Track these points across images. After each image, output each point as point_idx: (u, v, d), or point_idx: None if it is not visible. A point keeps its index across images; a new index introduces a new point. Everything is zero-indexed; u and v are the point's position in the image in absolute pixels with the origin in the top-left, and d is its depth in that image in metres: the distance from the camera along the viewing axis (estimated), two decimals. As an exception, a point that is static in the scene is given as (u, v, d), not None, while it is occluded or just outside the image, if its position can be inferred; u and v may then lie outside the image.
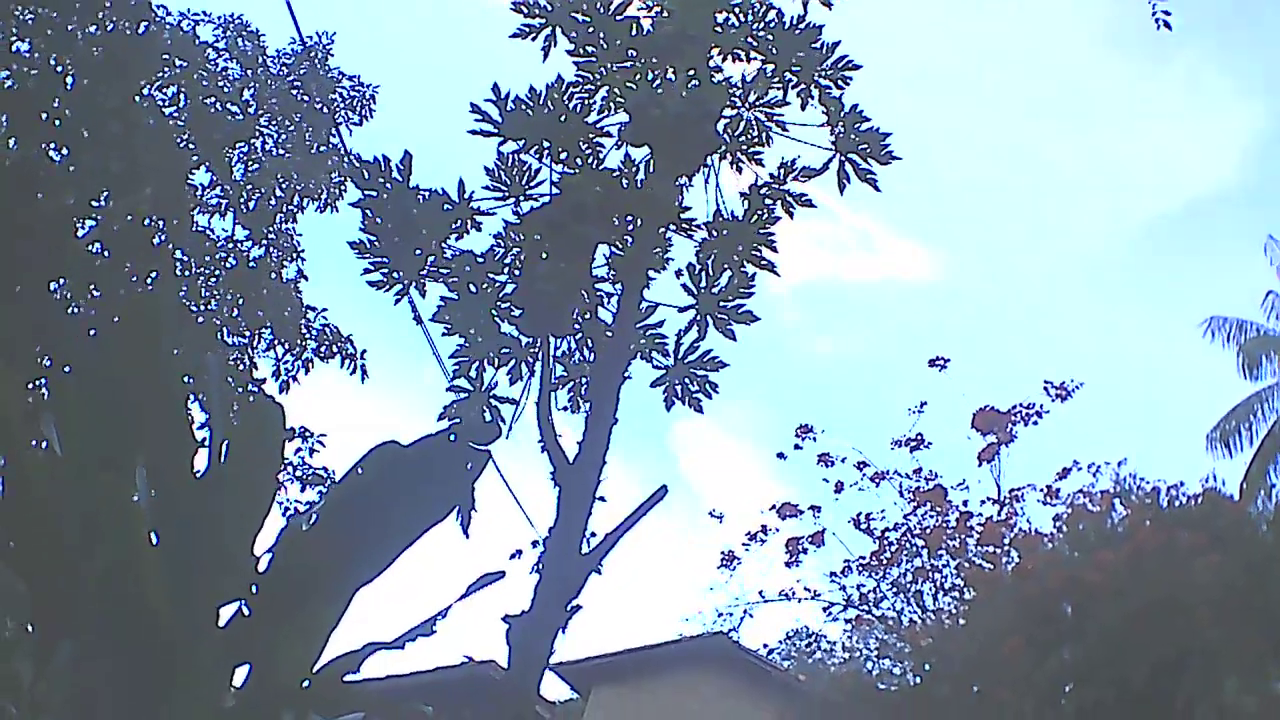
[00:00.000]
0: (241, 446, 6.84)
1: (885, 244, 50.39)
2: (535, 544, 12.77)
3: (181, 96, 22.99)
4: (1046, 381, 24.46)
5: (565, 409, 13.84)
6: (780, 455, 25.79)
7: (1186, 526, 19.27)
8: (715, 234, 14.12)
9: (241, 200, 23.30)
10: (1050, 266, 54.40)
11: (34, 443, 6.45)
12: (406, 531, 6.57)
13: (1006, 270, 53.79)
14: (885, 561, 24.45)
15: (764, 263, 14.15)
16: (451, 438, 6.95)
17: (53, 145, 21.11)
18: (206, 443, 7.09)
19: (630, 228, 13.81)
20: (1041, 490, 23.99)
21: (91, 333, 19.77)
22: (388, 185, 13.53)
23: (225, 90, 23.53)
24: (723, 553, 25.00)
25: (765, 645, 29.44)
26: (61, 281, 20.33)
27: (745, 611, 25.23)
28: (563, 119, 13.96)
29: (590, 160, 14.04)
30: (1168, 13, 12.73)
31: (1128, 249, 53.76)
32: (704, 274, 14.05)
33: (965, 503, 24.10)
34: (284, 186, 23.27)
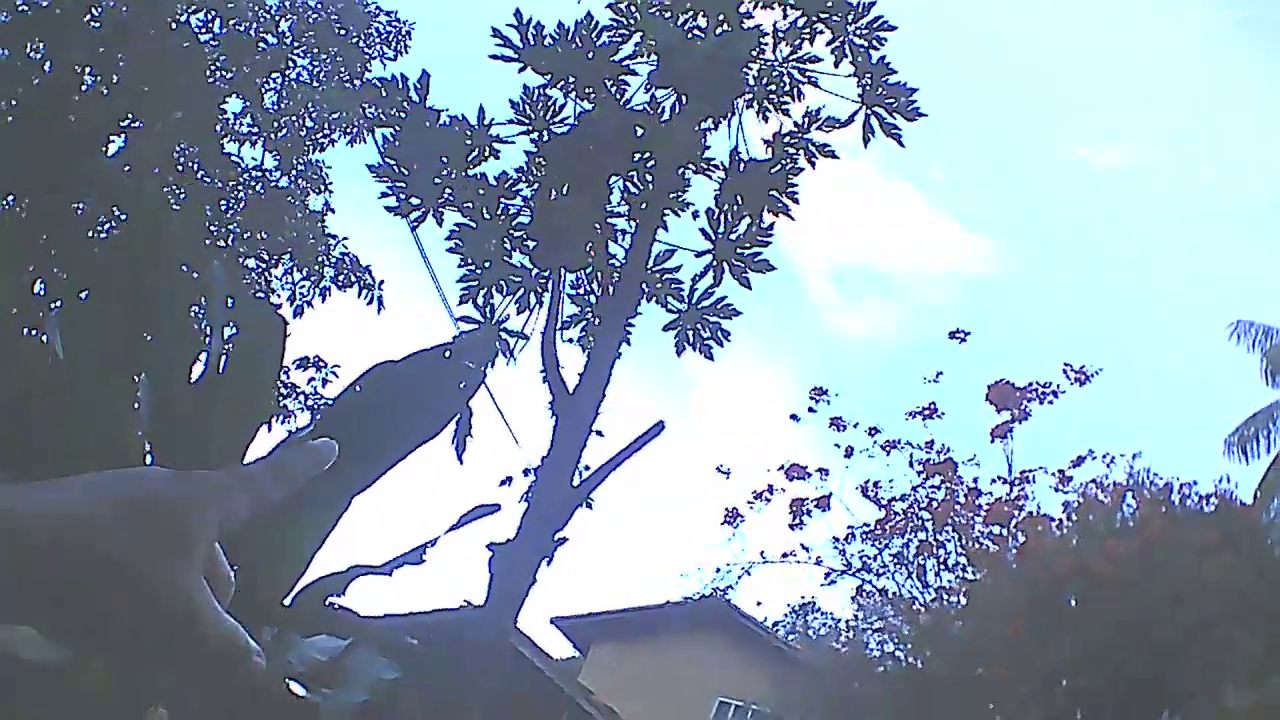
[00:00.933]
0: (240, 356, 6.77)
1: (922, 225, 50.18)
2: (527, 473, 12.69)
3: (217, 22, 22.90)
4: (1066, 363, 24.34)
5: (573, 342, 13.78)
6: (793, 417, 25.66)
7: (1198, 525, 19.20)
8: (735, 177, 13.98)
9: (272, 129, 23.20)
10: (1091, 257, 54.11)
11: (38, 348, 6.40)
12: (399, 445, 6.48)
13: (1049, 259, 53.50)
14: (889, 530, 24.34)
15: (782, 207, 14.02)
16: (446, 354, 6.89)
17: (87, 68, 21.10)
18: (205, 352, 7.03)
19: (649, 165, 13.70)
20: (1054, 475, 23.91)
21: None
22: (405, 105, 13.45)
23: (261, 19, 23.41)
24: (727, 509, 24.91)
25: (759, 603, 29.27)
26: (86, 200, 20.29)
27: (744, 570, 25.15)
28: (590, 56, 13.83)
29: (616, 98, 13.92)
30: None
31: (1169, 245, 53.45)
32: (722, 219, 13.93)
33: (975, 480, 24.00)
34: (315, 117, 23.15)
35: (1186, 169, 49.97)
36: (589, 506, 11.86)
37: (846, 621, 29.79)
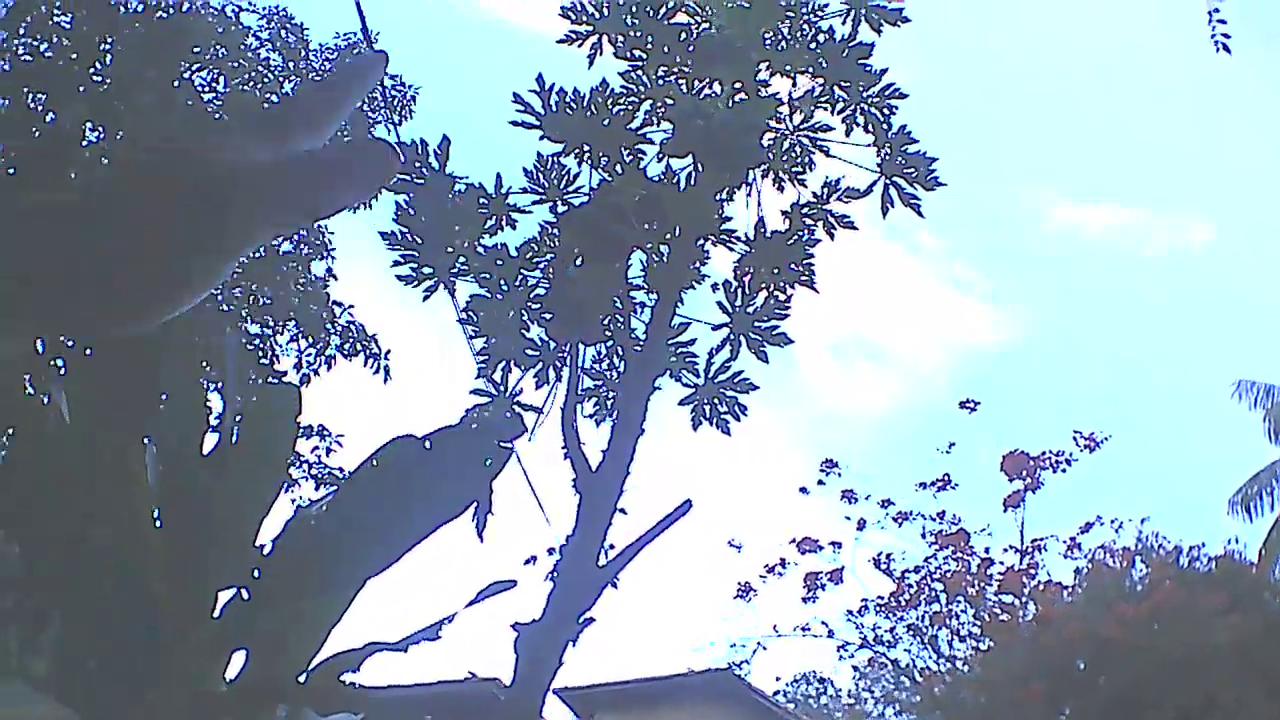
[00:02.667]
0: (253, 428, 6.59)
1: (916, 294, 50.23)
2: (551, 551, 12.52)
3: (221, 81, 22.82)
4: (1076, 431, 24.34)
5: (590, 418, 13.60)
6: (803, 490, 25.68)
7: (1206, 587, 19.14)
8: (755, 249, 13.81)
9: (275, 192, 23.13)
10: (1084, 321, 54.15)
11: (41, 409, 6.22)
12: (418, 526, 6.30)
13: (1045, 323, 53.61)
14: (904, 603, 24.29)
15: (805, 280, 13.85)
16: (473, 427, 6.70)
17: (88, 123, 20.99)
18: (218, 422, 6.84)
19: (668, 236, 13.54)
20: (1064, 542, 23.88)
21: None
22: (423, 171, 13.29)
23: (265, 80, 23.32)
24: (739, 584, 24.86)
25: (778, 678, 29.26)
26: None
27: (759, 645, 25.11)
28: (605, 123, 13.68)
29: (632, 167, 13.77)
30: (1228, 36, 12.43)
31: (1160, 305, 53.45)
32: (740, 292, 13.76)
33: (987, 549, 24.02)
34: (317, 181, 23.11)
35: (1179, 226, 50.10)
36: (615, 587, 11.67)
37: (849, 692, 29.83)
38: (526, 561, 13.09)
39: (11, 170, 19.43)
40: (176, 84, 21.54)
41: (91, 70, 20.84)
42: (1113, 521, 23.67)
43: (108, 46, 20.88)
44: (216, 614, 6.02)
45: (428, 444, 6.16)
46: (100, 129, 21.22)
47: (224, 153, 1.16)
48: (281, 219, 1.27)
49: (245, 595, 6.06)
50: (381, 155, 1.33)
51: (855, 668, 26.22)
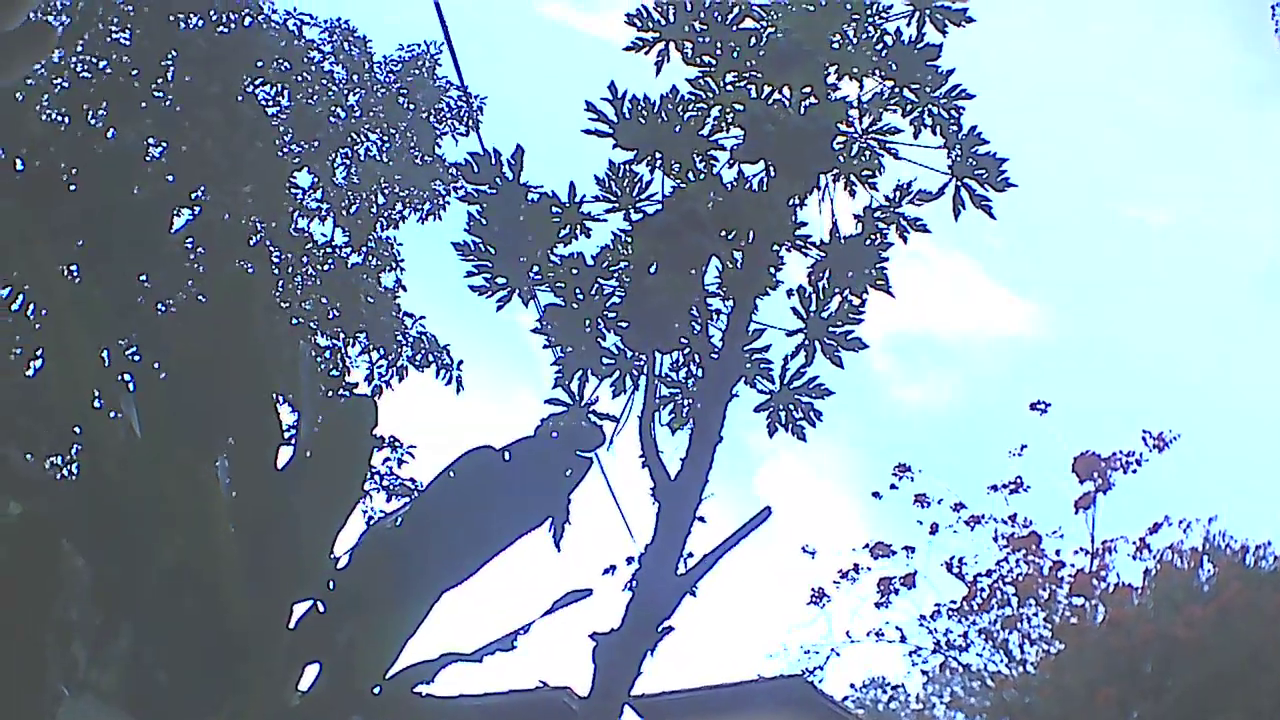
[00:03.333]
0: (329, 441, 6.63)
1: (979, 292, 50.06)
2: (630, 560, 12.48)
3: (284, 95, 22.96)
4: (1145, 431, 24.25)
5: (667, 426, 13.59)
6: (876, 495, 25.74)
7: (1274, 586, 19.03)
8: (828, 254, 13.79)
9: (342, 205, 23.23)
10: (1151, 316, 53.79)
11: (111, 424, 6.25)
12: (496, 538, 6.31)
13: (1104, 321, 53.28)
14: (976, 607, 24.27)
15: (881, 285, 13.81)
16: (552, 436, 6.69)
17: (150, 138, 21.13)
18: (292, 436, 6.88)
19: (743, 242, 13.52)
20: (1132, 543, 23.80)
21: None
22: (497, 180, 13.30)
23: (330, 93, 23.45)
24: (813, 589, 24.89)
25: (852, 685, 29.30)
26: (152, 275, 20.27)
27: (832, 650, 25.11)
28: (677, 130, 13.68)
29: (704, 173, 13.76)
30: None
31: (1231, 301, 53.03)
32: (814, 297, 13.73)
33: (1058, 551, 23.98)
34: (386, 193, 23.20)
35: (1241, 222, 49.71)
36: (695, 595, 11.63)
37: (918, 696, 29.80)
38: (605, 571, 13.05)
39: (74, 187, 19.60)
40: (240, 98, 21.67)
41: (153, 86, 20.99)
42: (1180, 521, 23.53)
43: (169, 62, 21.03)
44: (292, 626, 6.04)
45: (506, 455, 6.17)
46: (164, 144, 21.39)
47: None
48: None
49: (321, 608, 6.08)
50: (44, 32, 1.32)
51: (925, 673, 26.13)
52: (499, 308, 13.63)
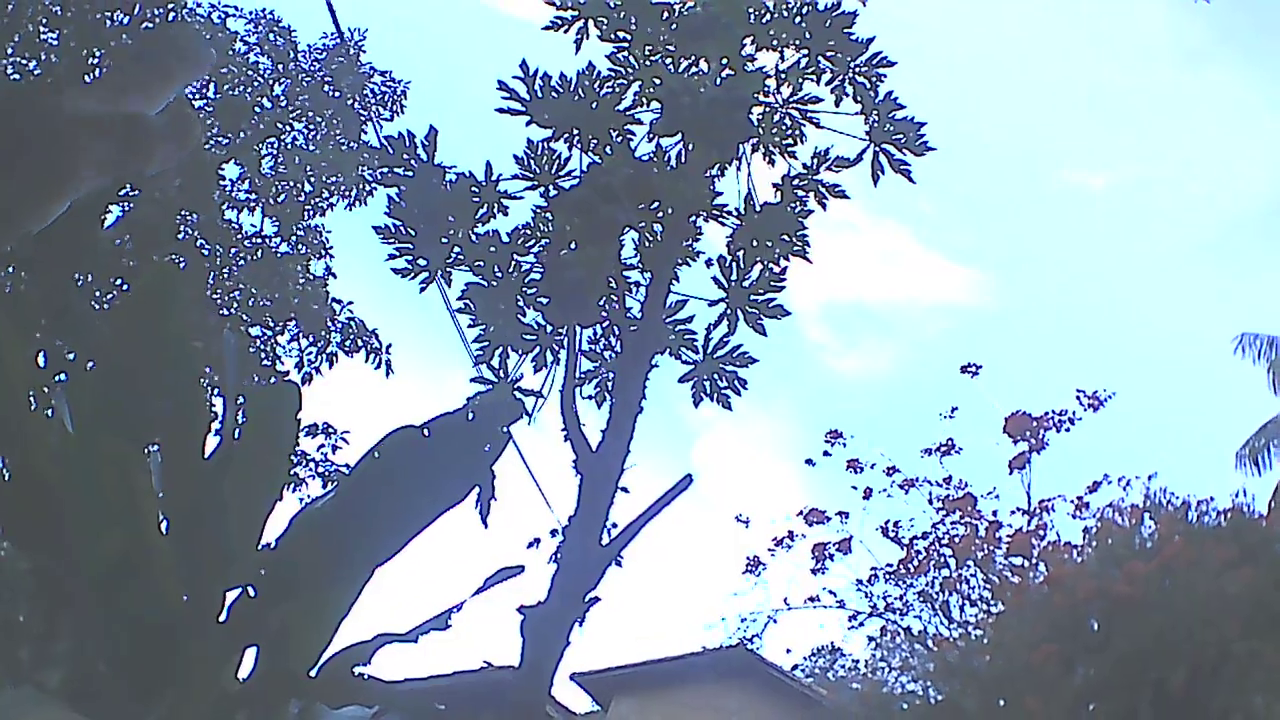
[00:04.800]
0: (254, 428, 6.65)
1: (912, 260, 50.29)
2: (554, 533, 12.53)
3: (211, 88, 22.89)
4: (1079, 390, 24.42)
5: (590, 399, 13.65)
6: (809, 461, 25.83)
7: (1216, 541, 19.18)
8: (746, 223, 13.85)
9: (270, 195, 23.18)
10: (1083, 281, 54.12)
11: (46, 422, 6.27)
12: (421, 514, 6.36)
13: (1042, 285, 53.58)
14: (913, 570, 24.40)
15: (798, 251, 13.89)
16: (470, 416, 6.74)
17: (80, 134, 21.04)
18: (220, 425, 6.90)
19: (660, 214, 13.58)
20: (1071, 502, 23.96)
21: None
22: (413, 163, 13.32)
23: (256, 84, 23.39)
24: (748, 558, 24.96)
25: (789, 650, 29.33)
26: (86, 274, 20.19)
27: (770, 618, 25.17)
28: (594, 106, 13.72)
29: (621, 147, 13.80)
30: (1208, -3, 12.46)
31: (1171, 263, 53.37)
32: (734, 266, 13.80)
33: (995, 512, 24.15)
34: (313, 182, 23.16)
35: (1178, 184, 50.07)
36: (619, 565, 11.69)
37: (866, 662, 29.92)
38: (530, 545, 13.09)
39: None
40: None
41: (84, 82, 20.88)
42: (1120, 479, 23.71)
43: (96, 61, 20.93)
44: (225, 613, 6.08)
45: (426, 432, 6.22)
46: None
47: (61, 101, 1.21)
48: (101, 165, 1.31)
49: (253, 593, 6.12)
50: (189, 122, 1.39)
51: (870, 637, 26.27)
52: (421, 289, 13.66)
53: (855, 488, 25.03)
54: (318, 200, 22.93)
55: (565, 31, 14.24)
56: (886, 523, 24.58)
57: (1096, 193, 50.96)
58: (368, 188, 22.79)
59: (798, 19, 14.24)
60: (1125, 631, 18.35)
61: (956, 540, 23.83)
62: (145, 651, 5.76)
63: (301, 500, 19.96)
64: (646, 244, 13.57)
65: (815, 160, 14.10)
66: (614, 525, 11.87)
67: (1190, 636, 17.54)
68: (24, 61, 20.73)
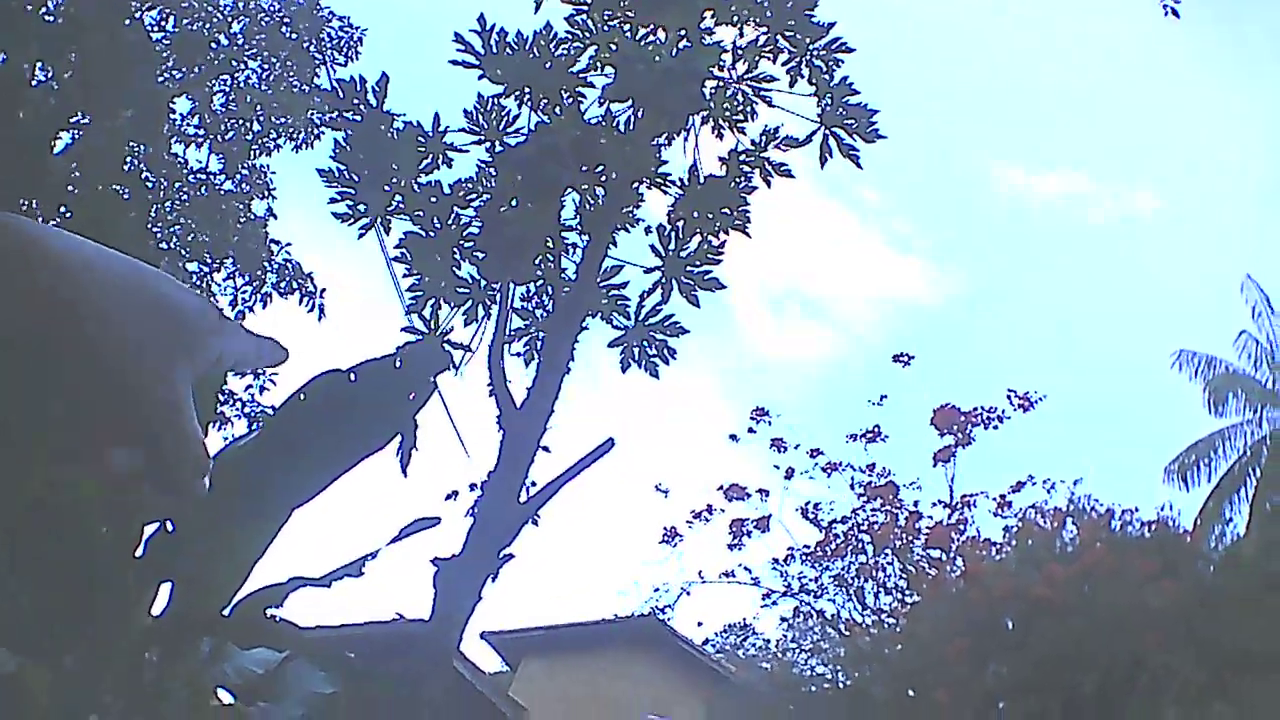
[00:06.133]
0: (182, 364, 6.61)
1: (853, 247, 50.35)
2: (473, 487, 12.51)
3: (169, 20, 22.68)
4: (1010, 389, 24.47)
5: (519, 356, 13.64)
6: (733, 437, 25.69)
7: (1139, 552, 19.27)
8: (690, 193, 13.88)
9: (219, 132, 23.00)
10: (1028, 284, 54.42)
11: None
12: (342, 457, 6.33)
13: (986, 284, 53.77)
14: (830, 553, 24.40)
15: (738, 225, 13.92)
16: (397, 364, 6.74)
17: (39, 63, 20.83)
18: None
19: (603, 178, 13.59)
20: (994, 500, 24.02)
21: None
22: (362, 108, 13.27)
23: (215, 20, 23.19)
24: (665, 529, 24.92)
25: (700, 624, 29.21)
26: (32, 200, 20.00)
27: (683, 590, 25.17)
28: (547, 66, 13.70)
29: (570, 109, 13.80)
30: (1177, 0, 12.55)
31: (1103, 273, 53.72)
32: (674, 236, 13.83)
33: (916, 503, 24.11)
34: (262, 121, 22.98)
35: (1125, 195, 50.33)
36: (536, 523, 11.71)
37: (778, 642, 29.98)
38: (448, 497, 13.06)
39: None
40: (127, 23, 21.39)
41: (43, 11, 20.69)
42: (1045, 482, 23.77)
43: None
44: (142, 548, 6.05)
45: (352, 377, 6.21)
46: (50, 70, 21.10)
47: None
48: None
49: (170, 529, 6.10)
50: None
51: (783, 618, 26.28)
52: (360, 235, 13.62)
53: (778, 467, 24.96)
54: (265, 140, 22.74)
55: (526, -8, 14.21)
56: (807, 504, 24.58)
57: (1044, 194, 51.23)
58: (316, 131, 22.64)
59: (757, -3, 14.28)
60: (1042, 633, 18.41)
61: (876, 527, 23.84)
62: (64, 587, 5.72)
63: (226, 440, 19.92)
64: (587, 207, 13.60)
65: (764, 138, 14.14)
66: (533, 484, 11.90)
67: (1106, 644, 17.64)
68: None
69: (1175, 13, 12.57)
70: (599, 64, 14.11)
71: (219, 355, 1.21)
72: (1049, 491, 23.74)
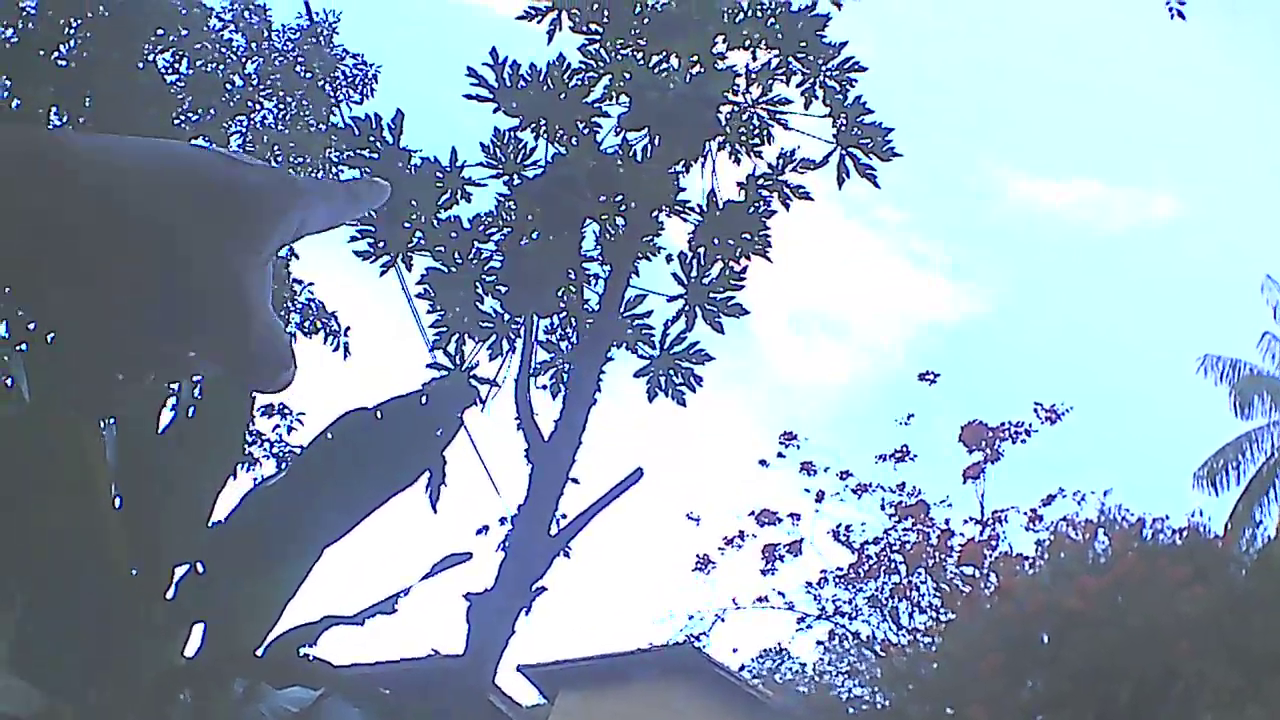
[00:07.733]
0: (209, 404, 6.62)
1: (875, 267, 50.28)
2: (503, 521, 12.49)
3: (183, 62, 22.75)
4: (1036, 403, 24.47)
5: (545, 389, 13.63)
6: (762, 462, 25.73)
7: (1170, 560, 19.18)
8: (710, 220, 13.87)
9: (236, 174, 23.09)
10: (1048, 294, 54.30)
11: (4, 391, 6.23)
12: (371, 496, 6.33)
13: (1009, 298, 53.64)
14: (863, 575, 24.39)
15: (759, 250, 13.90)
16: (424, 400, 6.73)
17: (53, 106, 20.92)
18: (175, 400, 6.87)
19: (622, 208, 13.59)
20: (1025, 514, 23.97)
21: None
22: (378, 145, 13.29)
23: (228, 61, 23.26)
24: (698, 556, 24.95)
25: (735, 650, 29.22)
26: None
27: (717, 616, 25.16)
28: (562, 97, 13.72)
29: (586, 139, 13.81)
30: (1182, 1, 12.53)
31: (1124, 279, 53.56)
32: (695, 263, 13.81)
33: (948, 521, 24.11)
34: (279, 161, 23.02)
35: (1142, 200, 50.19)
36: (567, 555, 11.69)
37: (814, 665, 29.92)
38: (479, 531, 13.05)
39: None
40: (140, 65, 21.47)
41: (56, 55, 20.78)
42: (1075, 494, 23.71)
43: (73, 30, 20.81)
44: (173, 589, 6.05)
45: (379, 415, 6.20)
46: (65, 113, 21.18)
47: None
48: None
49: (200, 570, 6.09)
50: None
51: (818, 641, 26.25)
52: (382, 272, 13.64)
53: (808, 490, 25.04)
54: (283, 180, 22.71)
55: (539, 22, 14.23)
56: (838, 527, 24.61)
57: (1064, 205, 51.06)
58: (334, 169, 22.72)
59: (771, 20, 14.26)
60: (1075, 646, 18.33)
61: (908, 547, 23.85)
62: (93, 625, 5.72)
63: (255, 480, 19.94)
64: (608, 237, 13.59)
65: (781, 161, 14.12)
66: (563, 516, 11.89)
67: (1139, 654, 17.56)
68: (3, 28, 20.61)
69: (1181, 14, 12.56)
70: (613, 93, 14.11)
71: (298, 226, 1.18)
72: (1079, 503, 23.71)
